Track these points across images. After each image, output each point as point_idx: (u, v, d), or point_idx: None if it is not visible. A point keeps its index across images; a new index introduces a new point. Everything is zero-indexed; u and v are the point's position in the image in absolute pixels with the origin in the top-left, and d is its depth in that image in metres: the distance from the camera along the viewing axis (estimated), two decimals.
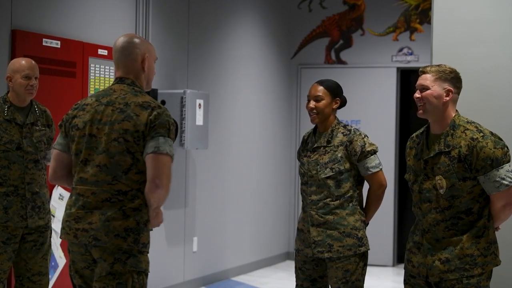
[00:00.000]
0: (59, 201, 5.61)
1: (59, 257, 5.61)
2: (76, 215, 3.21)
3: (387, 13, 9.02)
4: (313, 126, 4.38)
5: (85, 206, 3.20)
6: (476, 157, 3.39)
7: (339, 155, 4.15)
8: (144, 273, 3.22)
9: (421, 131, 3.67)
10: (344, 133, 4.20)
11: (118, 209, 3.16)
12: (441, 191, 3.47)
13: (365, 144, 4.16)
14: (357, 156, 4.14)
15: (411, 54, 8.95)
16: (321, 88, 4.24)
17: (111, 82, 6.19)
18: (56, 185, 5.58)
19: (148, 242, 3.25)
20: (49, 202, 4.79)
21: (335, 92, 4.25)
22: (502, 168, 3.39)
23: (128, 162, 3.17)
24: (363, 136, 4.20)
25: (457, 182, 3.44)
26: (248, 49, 8.45)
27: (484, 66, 4.55)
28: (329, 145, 4.19)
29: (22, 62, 4.66)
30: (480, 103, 4.51)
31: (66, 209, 3.29)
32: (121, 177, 3.17)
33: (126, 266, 3.16)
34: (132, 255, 3.17)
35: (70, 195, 3.32)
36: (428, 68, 3.55)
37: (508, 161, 3.42)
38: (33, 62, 4.69)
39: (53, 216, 5.51)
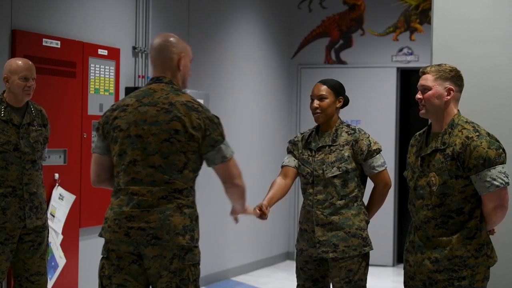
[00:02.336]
0: (59, 201, 5.60)
1: (59, 257, 5.60)
2: (130, 213, 3.22)
3: (387, 13, 9.02)
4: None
5: (140, 205, 3.22)
6: (469, 156, 3.39)
7: (346, 154, 4.15)
8: (198, 264, 3.32)
9: (423, 130, 3.69)
10: (349, 132, 4.20)
11: (176, 206, 3.23)
12: (434, 188, 3.47)
13: (371, 143, 4.17)
14: (364, 155, 4.14)
15: (411, 54, 8.96)
16: (324, 87, 4.24)
17: (111, 82, 6.25)
18: (56, 185, 5.58)
19: (199, 236, 3.35)
20: (45, 202, 4.77)
21: (338, 91, 4.26)
22: (494, 168, 3.37)
23: (182, 161, 3.24)
24: (367, 135, 4.22)
25: (449, 179, 3.43)
26: (248, 49, 8.45)
27: (484, 66, 4.55)
28: (335, 144, 4.19)
29: (19, 63, 4.61)
30: (480, 103, 4.50)
31: (113, 208, 3.27)
32: (177, 175, 3.24)
33: (184, 262, 3.23)
34: (189, 251, 3.25)
35: (116, 194, 3.30)
36: (428, 68, 3.56)
37: (502, 163, 3.40)
38: (30, 62, 4.65)
39: (53, 216, 5.51)
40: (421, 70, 3.60)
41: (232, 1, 8.11)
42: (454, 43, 4.61)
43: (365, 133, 4.23)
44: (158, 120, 3.25)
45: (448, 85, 3.51)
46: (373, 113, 8.95)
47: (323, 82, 4.29)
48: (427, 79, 3.53)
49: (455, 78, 3.54)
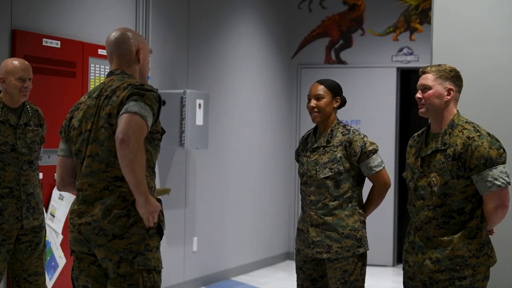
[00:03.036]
0: (59, 201, 5.60)
1: (59, 257, 5.60)
2: (79, 210, 3.15)
3: (387, 13, 9.02)
4: (313, 126, 4.38)
5: (86, 200, 3.14)
6: (470, 156, 3.39)
7: (339, 155, 4.14)
8: (155, 270, 3.12)
9: (422, 131, 3.68)
10: (343, 133, 4.19)
11: (118, 196, 3.08)
12: (435, 188, 3.47)
13: (365, 144, 4.15)
14: (357, 157, 4.13)
15: (411, 54, 8.95)
16: (321, 87, 4.25)
17: None
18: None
19: (155, 228, 3.14)
20: (42, 202, 4.75)
21: (336, 91, 4.26)
22: (495, 168, 3.38)
23: None
24: (362, 136, 4.19)
25: (450, 180, 3.44)
26: (248, 49, 8.45)
27: (484, 66, 4.55)
28: (329, 145, 4.18)
29: (16, 63, 4.57)
30: (480, 103, 4.50)
31: (70, 207, 3.24)
32: (114, 162, 3.08)
33: (133, 265, 3.07)
34: (139, 254, 3.08)
35: None
36: (429, 68, 3.56)
37: (503, 163, 3.41)
38: (26, 63, 4.61)
39: (53, 216, 5.51)
40: (421, 69, 3.60)
41: (232, 1, 8.11)
42: (454, 43, 4.61)
43: (359, 133, 4.20)
44: (101, 109, 3.15)
45: (448, 85, 3.52)
46: (373, 113, 8.95)
47: (321, 82, 4.29)
48: (428, 78, 3.53)
49: (455, 78, 3.55)
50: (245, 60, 8.38)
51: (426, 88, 3.53)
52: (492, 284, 3.71)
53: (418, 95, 3.55)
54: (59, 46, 5.68)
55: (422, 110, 3.56)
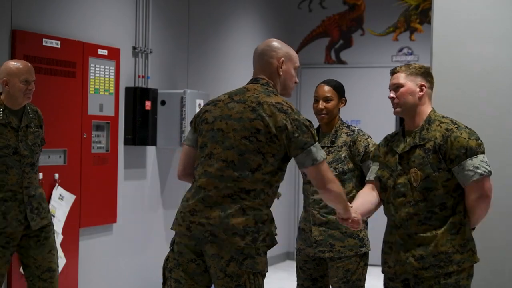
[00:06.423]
0: (59, 201, 5.60)
1: (59, 257, 5.60)
2: (193, 207, 3.21)
3: (387, 13, 9.02)
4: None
5: (205, 200, 3.20)
6: (450, 147, 3.41)
7: (343, 155, 4.16)
8: (260, 274, 3.26)
9: (396, 132, 3.71)
10: (348, 134, 4.21)
11: (239, 207, 3.16)
12: (415, 184, 3.47)
13: (369, 144, 4.17)
14: (361, 157, 4.15)
15: (411, 54, 8.96)
16: (329, 88, 4.26)
17: (111, 82, 6.25)
18: (56, 185, 5.58)
19: (271, 239, 3.28)
20: (45, 200, 4.71)
21: (342, 92, 4.29)
22: (476, 157, 3.39)
23: (257, 162, 3.18)
24: (366, 136, 4.21)
25: (431, 173, 3.44)
26: (248, 49, 8.43)
27: (484, 66, 4.55)
28: (333, 145, 4.20)
29: (19, 65, 4.50)
30: (480, 103, 4.50)
31: (183, 200, 3.29)
32: (248, 175, 3.17)
33: (242, 267, 3.17)
34: (249, 257, 3.18)
35: (191, 187, 3.32)
36: (398, 68, 3.62)
37: (483, 153, 3.43)
38: (29, 64, 4.55)
39: (53, 216, 5.50)
40: (391, 70, 3.66)
41: (232, 1, 8.11)
42: (454, 43, 4.61)
43: (364, 134, 4.22)
44: (243, 117, 3.22)
45: (420, 81, 3.56)
46: (373, 113, 8.95)
47: (327, 82, 4.30)
48: (399, 77, 3.58)
49: (425, 74, 3.60)
50: (245, 60, 8.38)
51: (398, 86, 3.57)
52: (477, 286, 3.69)
53: (391, 94, 3.59)
54: (59, 46, 5.68)
55: (397, 109, 3.58)
